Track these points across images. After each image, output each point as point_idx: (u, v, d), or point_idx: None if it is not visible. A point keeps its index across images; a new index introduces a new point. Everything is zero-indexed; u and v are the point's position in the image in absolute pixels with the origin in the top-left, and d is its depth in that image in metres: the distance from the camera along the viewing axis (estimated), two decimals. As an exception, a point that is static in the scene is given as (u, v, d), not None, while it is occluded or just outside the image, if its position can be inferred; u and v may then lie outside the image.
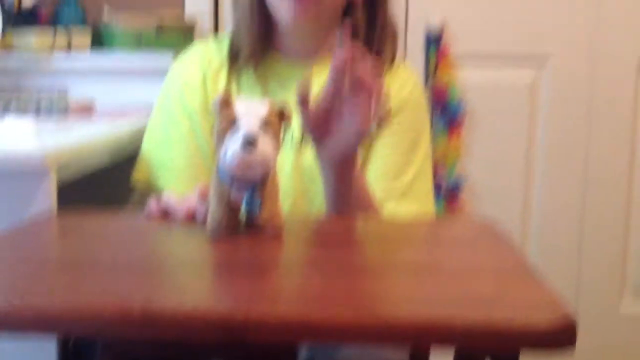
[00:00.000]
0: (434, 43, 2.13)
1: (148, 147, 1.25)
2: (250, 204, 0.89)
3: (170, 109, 1.25)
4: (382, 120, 0.98)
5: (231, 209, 0.91)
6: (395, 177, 1.21)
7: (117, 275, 0.75)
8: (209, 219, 0.91)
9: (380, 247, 0.91)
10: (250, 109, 0.87)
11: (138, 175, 1.24)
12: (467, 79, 2.15)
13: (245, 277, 0.75)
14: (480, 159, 2.18)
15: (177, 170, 1.21)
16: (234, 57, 1.23)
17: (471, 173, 2.17)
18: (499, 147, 2.18)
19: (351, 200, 1.09)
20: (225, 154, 0.85)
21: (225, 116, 0.86)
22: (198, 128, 1.22)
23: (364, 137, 0.98)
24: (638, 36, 2.14)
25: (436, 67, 2.13)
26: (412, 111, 1.25)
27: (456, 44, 2.13)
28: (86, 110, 1.53)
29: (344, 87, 0.95)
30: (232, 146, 0.84)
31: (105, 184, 1.42)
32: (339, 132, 0.98)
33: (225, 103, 0.87)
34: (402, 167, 1.21)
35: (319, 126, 0.98)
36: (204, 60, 1.24)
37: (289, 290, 0.73)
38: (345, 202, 1.09)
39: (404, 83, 1.26)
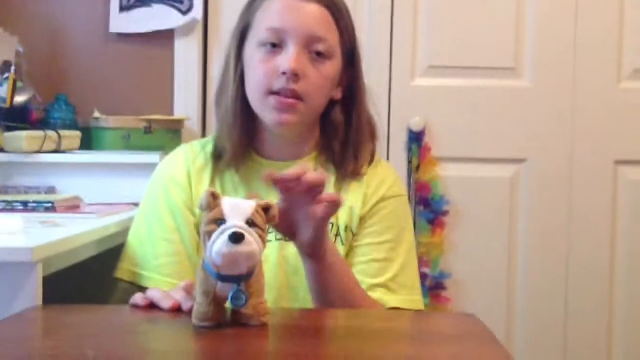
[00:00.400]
0: (416, 141, 2.19)
1: (133, 243, 1.26)
2: (236, 298, 0.91)
3: (155, 205, 1.27)
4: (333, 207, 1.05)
5: (217, 303, 0.92)
6: (379, 275, 1.22)
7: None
8: (195, 312, 0.92)
9: (365, 341, 0.92)
10: (237, 206, 0.91)
11: (122, 269, 1.25)
12: (449, 175, 2.20)
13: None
14: (464, 253, 2.20)
15: (161, 266, 1.22)
16: (217, 158, 1.26)
17: (455, 268, 2.20)
18: (481, 242, 2.20)
19: (332, 285, 1.12)
20: (212, 249, 0.88)
21: (212, 213, 0.90)
22: (182, 224, 1.24)
23: (321, 228, 1.05)
24: (613, 139, 2.20)
25: (419, 165, 2.19)
26: (392, 207, 1.27)
27: (437, 147, 2.19)
28: (73, 206, 1.55)
29: (296, 191, 1.02)
30: (219, 242, 0.87)
31: (91, 276, 1.43)
32: (300, 227, 1.05)
33: (213, 200, 0.90)
34: (386, 265, 1.23)
35: (285, 225, 1.04)
36: (189, 160, 1.28)
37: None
38: (327, 287, 1.11)
39: (383, 179, 1.29)
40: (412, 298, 1.24)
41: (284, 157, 1.26)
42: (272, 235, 1.20)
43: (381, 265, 1.22)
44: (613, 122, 2.20)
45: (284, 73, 1.17)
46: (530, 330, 2.20)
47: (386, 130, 2.14)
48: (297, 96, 1.18)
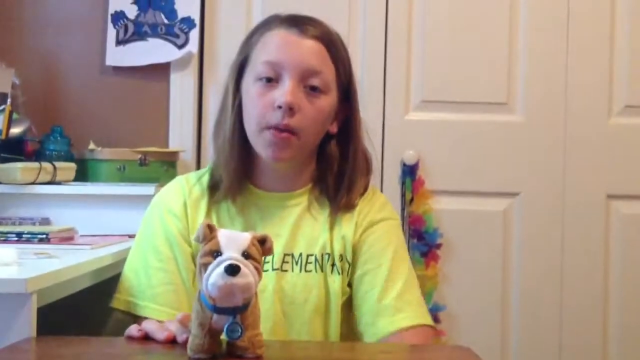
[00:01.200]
0: (410, 175, 2.21)
1: (128, 273, 1.26)
2: (231, 330, 0.91)
3: (151, 235, 1.27)
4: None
5: (212, 334, 0.92)
6: (384, 297, 1.21)
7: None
8: (190, 343, 0.92)
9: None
10: (233, 239, 0.92)
11: (118, 299, 1.25)
12: (442, 208, 2.21)
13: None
14: (457, 286, 2.20)
15: (156, 295, 1.22)
16: (213, 189, 1.27)
17: (449, 300, 2.19)
18: (475, 274, 2.20)
19: None
20: (207, 280, 0.88)
21: (208, 245, 0.90)
22: (178, 254, 1.24)
23: None
24: (605, 173, 2.22)
25: (412, 198, 2.20)
26: (384, 230, 1.28)
27: (431, 181, 2.21)
28: (67, 238, 1.55)
29: None
30: (215, 273, 0.88)
31: (84, 308, 1.42)
32: None
33: (209, 232, 0.91)
34: (389, 285, 1.22)
35: None
36: (185, 190, 1.28)
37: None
38: None
39: (381, 207, 1.31)
40: (421, 312, 1.23)
41: (279, 188, 1.28)
42: (268, 265, 1.21)
43: (384, 287, 1.22)
44: (605, 156, 2.22)
45: (279, 107, 1.18)
46: (524, 363, 2.20)
47: (380, 164, 2.15)
48: (291, 130, 1.19)
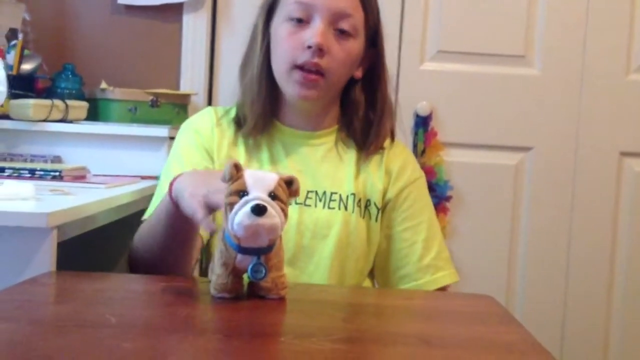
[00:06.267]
0: (422, 126, 2.19)
1: (158, 192, 1.26)
2: (255, 270, 0.91)
3: (179, 153, 1.28)
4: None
5: (236, 274, 0.92)
6: (425, 255, 1.28)
7: (118, 337, 0.74)
8: (214, 283, 0.92)
9: (386, 318, 0.91)
10: (260, 179, 0.90)
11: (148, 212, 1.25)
12: (453, 161, 2.20)
13: (246, 342, 0.75)
14: (465, 239, 2.20)
15: None
16: (239, 124, 1.29)
17: (456, 253, 2.19)
18: (483, 228, 2.20)
19: None
20: (233, 220, 0.87)
21: (234, 184, 0.89)
22: (203, 164, 1.25)
23: None
24: (619, 130, 2.20)
25: (424, 149, 2.18)
26: (419, 190, 1.32)
27: (443, 132, 2.19)
28: (80, 176, 1.53)
29: None
30: (241, 213, 0.86)
31: (99, 246, 1.42)
32: None
33: (235, 172, 0.89)
34: (428, 244, 1.28)
35: None
36: (213, 117, 1.30)
37: (291, 356, 0.72)
38: None
39: (404, 162, 1.32)
40: (454, 270, 1.32)
41: (305, 127, 1.30)
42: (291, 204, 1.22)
43: (424, 245, 1.27)
44: (620, 113, 2.20)
45: (309, 47, 1.19)
46: (528, 319, 2.20)
47: (394, 114, 2.13)
48: (319, 71, 1.20)
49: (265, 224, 0.87)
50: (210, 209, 0.95)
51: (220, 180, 0.90)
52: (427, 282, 1.26)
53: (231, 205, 0.88)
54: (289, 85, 1.23)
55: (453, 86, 2.20)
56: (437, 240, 1.30)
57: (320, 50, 1.19)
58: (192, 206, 0.95)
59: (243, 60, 1.30)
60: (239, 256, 0.91)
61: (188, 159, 1.25)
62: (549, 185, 2.20)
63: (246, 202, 0.87)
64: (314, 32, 1.19)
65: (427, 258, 1.27)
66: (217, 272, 0.92)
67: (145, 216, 1.22)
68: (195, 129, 1.29)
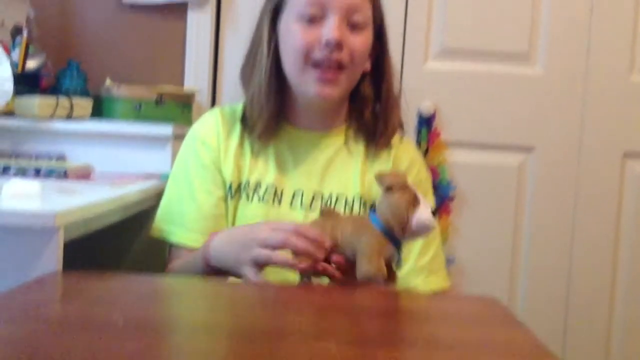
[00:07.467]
0: (426, 125, 2.19)
1: (163, 204, 1.30)
2: (398, 260, 1.04)
3: (184, 167, 1.30)
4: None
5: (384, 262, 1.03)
6: (421, 258, 1.29)
7: (125, 337, 0.75)
8: (372, 270, 1.00)
9: (392, 320, 0.92)
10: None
11: (153, 229, 1.29)
12: (456, 161, 2.20)
13: (253, 343, 0.75)
14: (468, 239, 2.20)
15: (186, 223, 1.26)
16: (246, 126, 1.29)
17: (459, 254, 2.20)
18: (486, 229, 2.20)
19: None
20: (418, 214, 1.01)
21: (406, 194, 1.02)
22: (211, 184, 1.27)
23: None
24: (623, 131, 2.20)
25: (427, 148, 2.18)
26: (422, 193, 1.30)
27: (446, 132, 2.19)
28: (85, 175, 1.54)
29: None
30: (427, 212, 1.01)
31: (103, 246, 1.43)
32: None
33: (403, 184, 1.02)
34: (425, 247, 1.29)
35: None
36: (219, 121, 1.30)
37: (299, 358, 0.72)
38: None
39: (412, 162, 1.32)
40: (447, 274, 1.34)
41: (317, 127, 1.30)
42: (297, 202, 1.26)
43: (421, 247, 1.29)
44: (623, 114, 2.20)
45: (327, 44, 1.18)
46: (530, 319, 2.21)
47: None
48: (340, 66, 1.20)
49: (435, 227, 1.05)
50: (260, 265, 1.03)
51: (253, 234, 1.01)
52: (418, 284, 1.27)
53: (406, 199, 1.01)
54: (305, 84, 1.22)
55: (456, 85, 2.20)
56: (434, 243, 1.30)
57: (338, 45, 1.18)
58: (245, 273, 1.04)
59: (245, 61, 1.29)
60: (389, 245, 1.02)
61: (200, 186, 1.26)
62: (551, 186, 2.21)
63: (425, 204, 1.02)
64: (331, 27, 1.18)
65: (422, 260, 1.28)
66: (373, 260, 1.01)
67: (158, 220, 1.27)
68: (201, 140, 1.29)
